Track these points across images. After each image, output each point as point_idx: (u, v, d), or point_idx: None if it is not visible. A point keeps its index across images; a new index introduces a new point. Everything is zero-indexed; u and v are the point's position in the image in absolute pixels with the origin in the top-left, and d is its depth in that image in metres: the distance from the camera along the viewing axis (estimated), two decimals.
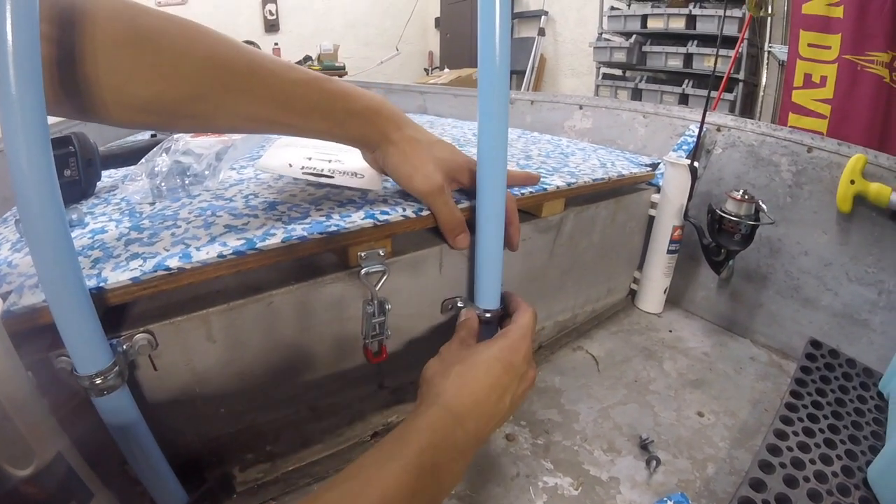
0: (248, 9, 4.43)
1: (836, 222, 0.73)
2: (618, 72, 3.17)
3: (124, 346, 0.33)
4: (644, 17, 2.79)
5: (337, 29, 4.70)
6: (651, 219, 0.79)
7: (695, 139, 0.77)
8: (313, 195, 0.47)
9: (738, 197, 0.67)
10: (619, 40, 3.02)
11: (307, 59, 4.28)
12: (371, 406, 0.51)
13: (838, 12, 2.13)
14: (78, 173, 0.57)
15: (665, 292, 0.82)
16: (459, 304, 0.50)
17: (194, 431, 0.41)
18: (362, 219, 0.41)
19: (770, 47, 2.38)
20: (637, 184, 0.78)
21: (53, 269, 0.28)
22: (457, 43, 4.57)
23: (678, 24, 2.65)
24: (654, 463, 0.51)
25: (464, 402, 0.35)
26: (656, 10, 2.75)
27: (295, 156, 0.48)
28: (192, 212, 0.45)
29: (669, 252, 0.77)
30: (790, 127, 2.41)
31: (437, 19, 5.09)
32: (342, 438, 0.50)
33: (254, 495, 0.45)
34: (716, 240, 0.69)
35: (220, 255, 0.34)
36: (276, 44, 4.18)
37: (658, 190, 0.77)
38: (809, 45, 2.22)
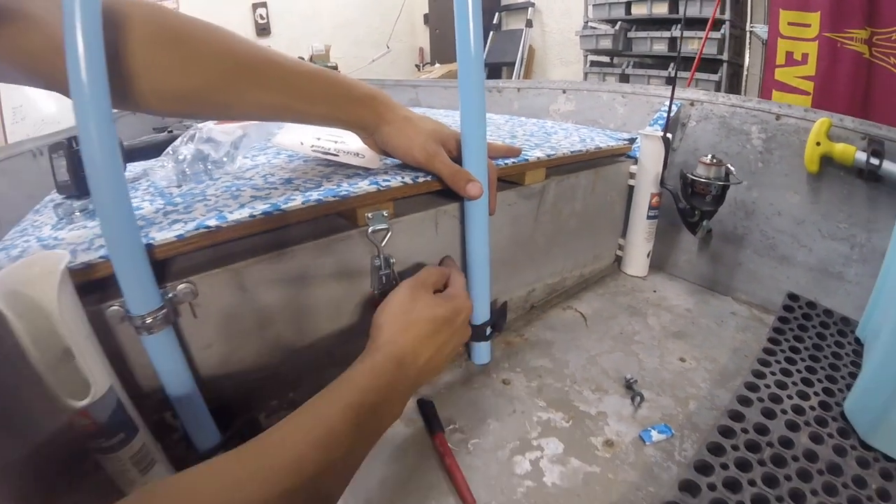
0: (238, 13, 4.46)
1: (806, 183, 0.79)
2: (605, 59, 3.22)
3: (170, 294, 0.39)
4: (628, 4, 2.84)
5: (327, 30, 4.74)
6: (631, 189, 0.85)
7: (671, 115, 0.83)
8: (323, 171, 0.53)
9: (708, 161, 0.73)
10: (604, 27, 3.07)
11: (299, 59, 4.32)
12: None
13: None
14: None
15: (648, 256, 0.88)
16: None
17: (226, 377, 0.47)
18: (368, 185, 0.47)
19: (751, 27, 2.43)
20: (615, 156, 0.84)
21: (116, 226, 0.34)
22: (446, 38, 4.61)
23: (661, 10, 2.70)
24: (638, 399, 0.57)
25: (408, 353, 0.40)
26: None
27: (306, 135, 0.54)
28: (217, 189, 0.51)
29: (649, 218, 0.83)
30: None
31: (425, 15, 5.13)
32: None
33: None
34: (689, 202, 0.75)
35: (251, 216, 0.41)
36: (268, 47, 4.22)
37: (636, 161, 0.83)
38: (790, 23, 2.26)
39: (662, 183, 0.81)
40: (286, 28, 4.61)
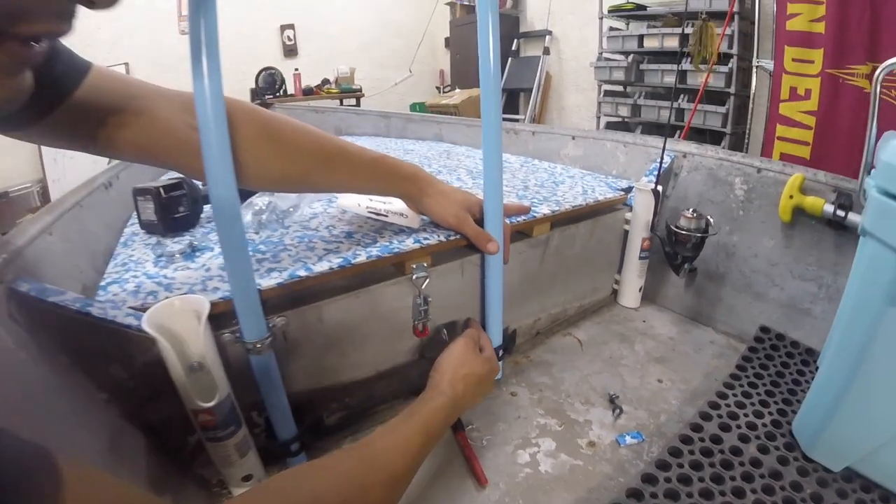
0: (267, 35, 4.71)
1: (780, 230, 0.91)
2: (619, 88, 3.37)
3: (271, 325, 0.54)
4: (640, 37, 3.00)
5: (351, 51, 4.97)
6: (626, 232, 0.99)
7: (664, 166, 0.97)
8: (374, 227, 0.69)
9: (689, 215, 0.87)
10: (619, 58, 3.23)
11: (325, 82, 4.54)
12: (414, 371, 0.71)
13: (820, 28, 2.28)
14: (188, 209, 0.80)
15: (640, 290, 1.02)
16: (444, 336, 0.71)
17: (302, 386, 0.62)
18: (412, 243, 0.63)
19: (757, 62, 2.55)
20: (613, 205, 0.98)
21: (240, 278, 0.50)
22: (465, 63, 4.79)
23: (672, 43, 2.85)
24: (618, 411, 0.70)
25: (459, 397, 0.56)
26: (652, 31, 2.95)
27: (362, 198, 0.70)
28: (292, 239, 0.66)
29: (641, 258, 0.97)
30: (777, 137, 2.58)
31: (446, 39, 5.32)
32: (394, 394, 0.71)
33: (336, 433, 0.66)
34: (673, 248, 0.89)
35: (330, 268, 0.56)
36: (296, 69, 4.44)
37: (631, 209, 0.97)
38: (794, 59, 2.37)
39: (653, 229, 0.95)
40: (313, 50, 4.85)
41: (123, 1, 0.27)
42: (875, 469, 0.61)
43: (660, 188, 0.94)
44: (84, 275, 0.65)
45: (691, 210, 0.87)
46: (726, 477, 0.60)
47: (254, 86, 4.25)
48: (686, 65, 2.76)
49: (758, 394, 0.76)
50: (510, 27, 4.42)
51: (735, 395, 0.75)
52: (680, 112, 2.81)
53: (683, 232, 0.86)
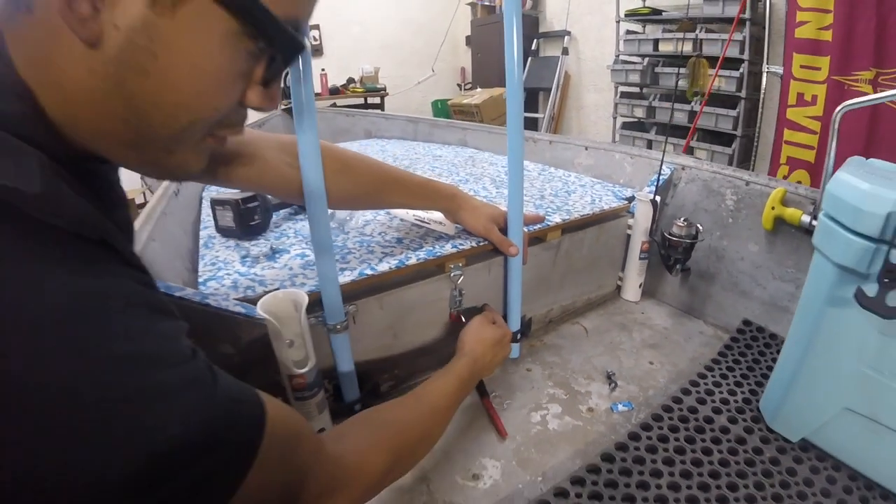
0: None
1: (764, 236, 1.05)
2: (635, 89, 3.48)
3: (346, 311, 0.72)
4: (656, 41, 3.10)
5: (374, 50, 5.13)
6: (628, 236, 1.14)
7: (664, 178, 1.12)
8: (419, 233, 0.87)
9: (681, 224, 1.02)
10: (636, 60, 3.33)
11: (350, 81, 4.72)
12: (446, 350, 0.88)
13: (827, 36, 2.35)
14: (261, 218, 0.97)
15: (640, 287, 1.17)
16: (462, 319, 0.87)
17: (364, 358, 0.79)
18: (450, 248, 0.80)
19: (767, 68, 2.64)
20: (618, 213, 1.13)
21: (326, 270, 0.67)
22: (487, 61, 4.91)
23: (687, 47, 2.95)
24: (613, 385, 0.87)
25: (479, 356, 0.72)
26: (667, 35, 3.05)
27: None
28: (354, 244, 0.84)
29: (641, 259, 1.12)
30: (785, 141, 2.67)
31: (467, 37, 5.44)
32: (431, 367, 0.89)
33: (386, 398, 0.84)
34: (667, 251, 1.04)
35: (389, 268, 0.74)
36: (322, 69, 4.62)
37: (633, 216, 1.13)
38: (802, 66, 2.45)
39: (651, 234, 1.10)
40: (337, 48, 5.01)
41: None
42: (827, 441, 0.73)
43: (658, 198, 1.08)
44: (181, 274, 0.82)
45: (683, 219, 1.02)
46: (698, 439, 0.75)
47: (282, 85, 4.42)
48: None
49: (734, 376, 0.91)
50: (530, 27, 4.52)
51: (713, 377, 0.90)
52: (693, 114, 2.92)
53: (675, 238, 1.01)
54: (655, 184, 1.10)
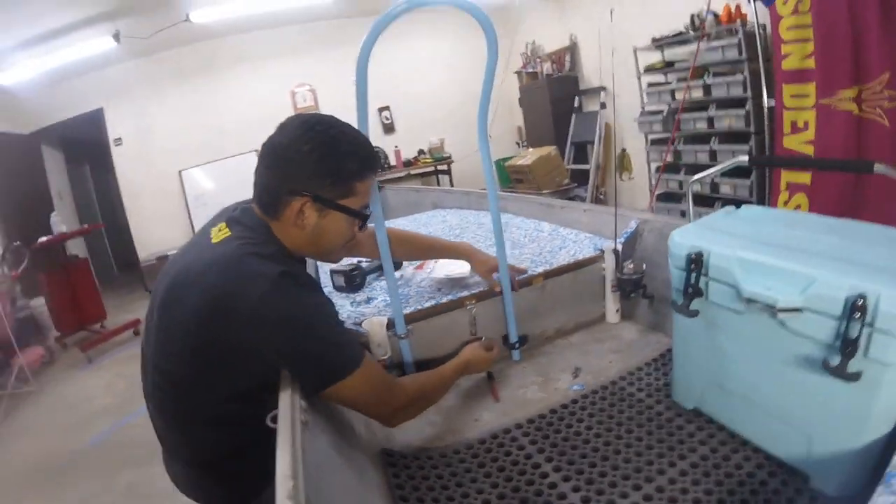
0: (370, 117, 5.82)
1: None
2: (665, 135, 3.88)
3: (407, 328, 1.30)
4: (672, 91, 3.52)
5: (439, 121, 5.88)
6: (604, 276, 1.62)
7: (632, 230, 1.60)
8: (448, 286, 1.44)
9: (629, 265, 1.49)
10: (663, 108, 3.75)
11: (420, 152, 5.50)
12: None
13: (811, 63, 2.54)
14: (361, 280, 1.61)
15: (618, 311, 1.63)
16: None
17: (416, 357, 1.36)
18: (467, 292, 1.37)
19: (767, 103, 2.94)
20: (594, 261, 1.62)
21: (396, 306, 1.27)
22: (536, 122, 5.50)
23: (698, 93, 3.35)
24: (577, 374, 1.35)
25: (470, 359, 1.25)
26: (680, 84, 3.48)
27: (445, 268, 1.47)
28: (412, 291, 1.44)
29: (613, 291, 1.60)
30: (783, 169, 2.96)
31: (519, 99, 6.09)
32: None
33: None
34: (622, 285, 1.51)
35: (431, 305, 1.32)
36: (395, 146, 5.44)
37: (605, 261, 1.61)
38: (792, 95, 2.65)
39: (616, 273, 1.58)
40: (406, 124, 5.84)
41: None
42: (710, 408, 1.05)
43: (619, 248, 1.57)
44: None
45: (630, 262, 1.50)
46: (624, 407, 1.21)
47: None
48: (713, 110, 3.24)
49: (665, 369, 1.35)
50: (571, 86, 5.08)
51: (648, 370, 1.35)
52: (713, 153, 3.27)
53: (626, 276, 1.49)
54: (624, 238, 1.59)
